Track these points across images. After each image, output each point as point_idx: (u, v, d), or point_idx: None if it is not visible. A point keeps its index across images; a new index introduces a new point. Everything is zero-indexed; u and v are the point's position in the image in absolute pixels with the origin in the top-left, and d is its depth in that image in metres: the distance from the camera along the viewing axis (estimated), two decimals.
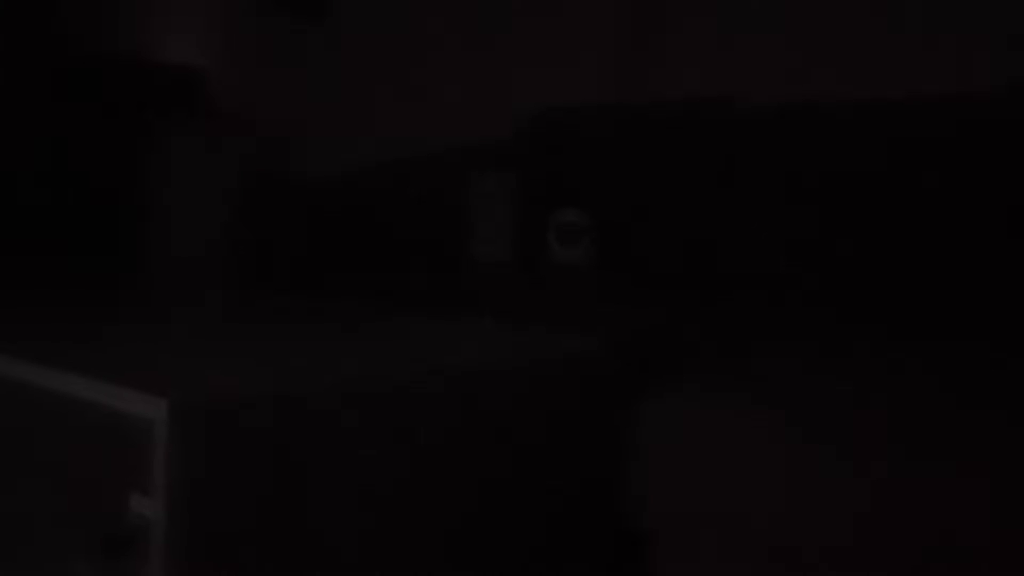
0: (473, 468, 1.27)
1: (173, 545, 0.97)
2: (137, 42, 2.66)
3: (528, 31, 2.35)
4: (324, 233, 2.49)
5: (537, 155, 2.29)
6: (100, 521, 1.04)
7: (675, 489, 1.35)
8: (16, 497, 1.15)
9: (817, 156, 1.83)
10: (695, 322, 1.78)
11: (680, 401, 1.42)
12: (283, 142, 2.66)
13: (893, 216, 1.71)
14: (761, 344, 1.68)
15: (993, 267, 1.64)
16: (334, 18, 2.68)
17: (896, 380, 1.41)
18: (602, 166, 2.19)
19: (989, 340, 1.56)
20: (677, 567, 1.32)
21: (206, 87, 2.70)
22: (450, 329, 1.60)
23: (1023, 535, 1.11)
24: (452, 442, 1.24)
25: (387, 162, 2.47)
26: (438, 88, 2.46)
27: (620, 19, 2.24)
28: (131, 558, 1.00)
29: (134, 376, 1.04)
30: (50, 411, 1.09)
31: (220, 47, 2.76)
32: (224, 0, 2.77)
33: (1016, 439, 1.20)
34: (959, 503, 1.15)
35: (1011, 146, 1.64)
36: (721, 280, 1.92)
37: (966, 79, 1.68)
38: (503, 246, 2.31)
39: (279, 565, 1.05)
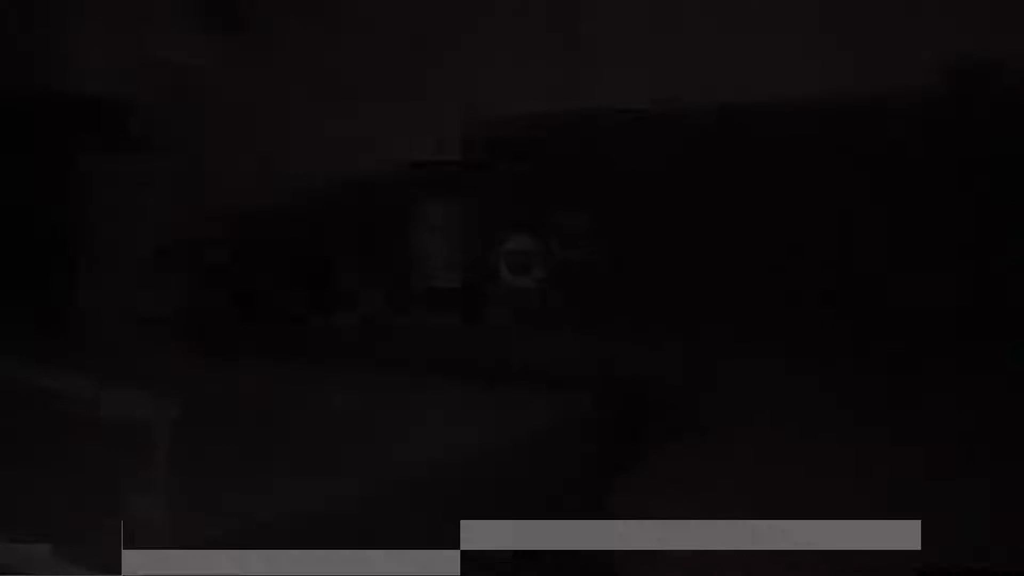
0: None
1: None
2: (59, 74, 2.56)
3: (465, 46, 2.33)
4: (262, 263, 2.42)
5: (484, 180, 2.27)
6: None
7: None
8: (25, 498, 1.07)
9: (766, 156, 1.86)
10: (658, 351, 1.77)
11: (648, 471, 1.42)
12: (214, 170, 2.58)
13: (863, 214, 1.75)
14: (731, 365, 1.68)
15: (953, 269, 1.69)
16: (255, 35, 2.61)
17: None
18: (552, 185, 2.17)
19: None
20: None
21: (131, 116, 2.60)
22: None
23: None
24: None
25: (328, 190, 2.42)
26: (375, 110, 2.42)
27: (552, 27, 2.23)
28: None
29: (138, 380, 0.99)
30: (54, 412, 1.04)
31: (144, 75, 2.66)
32: (143, 26, 2.68)
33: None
34: None
35: (955, 145, 1.69)
36: (680, 301, 1.93)
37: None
38: (453, 274, 2.27)
39: None
